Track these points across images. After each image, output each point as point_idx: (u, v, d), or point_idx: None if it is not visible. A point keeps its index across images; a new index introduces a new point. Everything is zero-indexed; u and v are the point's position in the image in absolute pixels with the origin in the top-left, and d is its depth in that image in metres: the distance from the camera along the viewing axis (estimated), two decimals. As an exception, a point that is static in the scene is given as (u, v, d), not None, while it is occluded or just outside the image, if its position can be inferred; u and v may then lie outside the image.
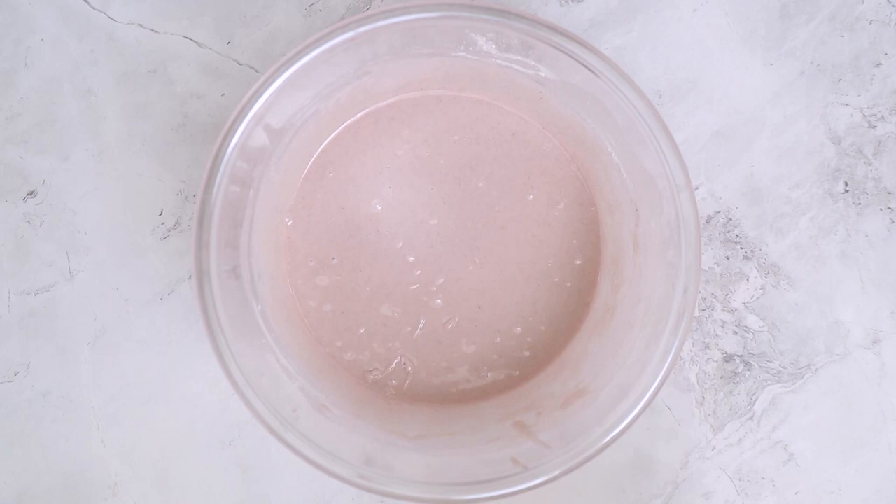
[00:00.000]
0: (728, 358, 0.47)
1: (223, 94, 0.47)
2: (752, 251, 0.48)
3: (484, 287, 0.46)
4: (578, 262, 0.46)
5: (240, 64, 0.47)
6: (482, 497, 0.38)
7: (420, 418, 0.44)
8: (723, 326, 0.47)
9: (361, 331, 0.46)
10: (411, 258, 0.46)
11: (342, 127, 0.46)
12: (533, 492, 0.38)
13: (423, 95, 0.46)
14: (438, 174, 0.46)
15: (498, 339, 0.46)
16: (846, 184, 0.48)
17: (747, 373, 0.47)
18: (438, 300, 0.46)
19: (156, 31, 0.47)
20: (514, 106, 0.46)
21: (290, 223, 0.46)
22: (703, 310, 0.47)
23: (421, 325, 0.46)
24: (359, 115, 0.46)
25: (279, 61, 0.38)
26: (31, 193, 0.47)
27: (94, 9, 0.47)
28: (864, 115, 0.48)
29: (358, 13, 0.47)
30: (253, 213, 0.42)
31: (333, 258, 0.46)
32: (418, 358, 0.46)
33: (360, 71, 0.41)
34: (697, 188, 0.47)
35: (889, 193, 0.48)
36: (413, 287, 0.46)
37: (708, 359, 0.47)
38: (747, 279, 0.47)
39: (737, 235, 0.47)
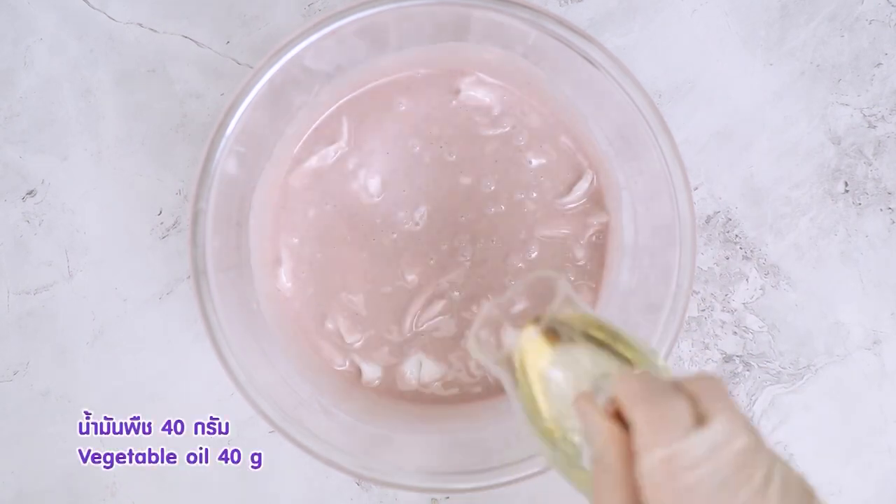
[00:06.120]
0: (728, 358, 0.47)
1: (222, 94, 0.47)
2: (751, 251, 0.47)
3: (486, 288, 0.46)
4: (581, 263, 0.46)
5: (239, 63, 0.47)
6: (481, 486, 0.38)
7: (414, 414, 0.44)
8: (722, 327, 0.47)
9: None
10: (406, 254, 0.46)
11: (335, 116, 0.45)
12: (531, 485, 0.38)
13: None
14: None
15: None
16: (846, 184, 0.48)
17: (747, 373, 0.47)
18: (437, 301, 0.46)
19: (155, 31, 0.47)
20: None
21: (286, 219, 0.45)
22: (703, 310, 0.47)
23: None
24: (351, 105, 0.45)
25: (268, 54, 0.37)
26: (30, 193, 0.47)
27: (93, 8, 0.47)
28: (864, 116, 0.47)
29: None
30: (249, 210, 0.42)
31: (319, 254, 0.45)
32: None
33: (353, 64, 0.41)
34: (697, 188, 0.47)
35: (889, 194, 0.47)
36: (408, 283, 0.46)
37: (707, 359, 0.47)
38: (747, 279, 0.47)
39: (736, 236, 0.47)
